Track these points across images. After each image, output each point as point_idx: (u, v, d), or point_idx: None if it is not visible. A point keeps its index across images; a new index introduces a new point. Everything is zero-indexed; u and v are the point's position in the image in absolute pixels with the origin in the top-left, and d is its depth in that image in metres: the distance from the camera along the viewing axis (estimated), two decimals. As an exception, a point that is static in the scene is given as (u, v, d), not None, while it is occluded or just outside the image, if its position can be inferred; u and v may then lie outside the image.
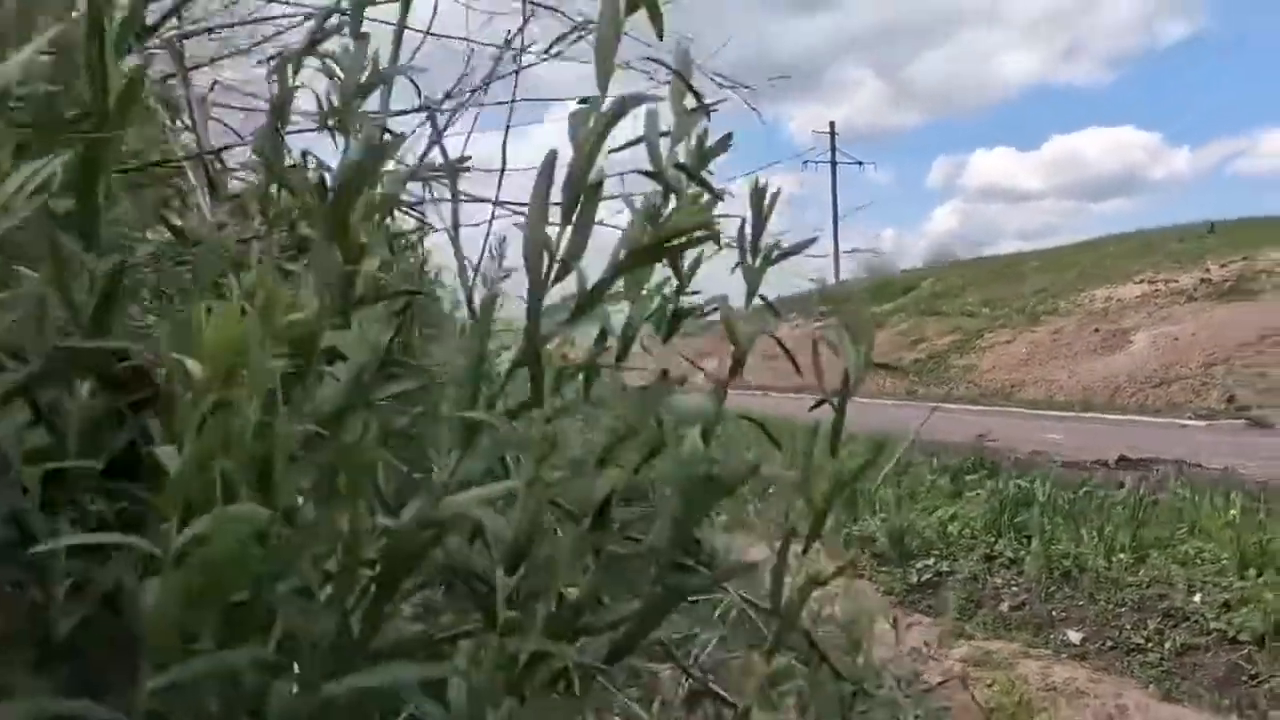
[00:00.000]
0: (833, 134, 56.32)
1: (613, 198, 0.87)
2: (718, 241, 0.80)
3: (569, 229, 0.71)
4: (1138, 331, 27.60)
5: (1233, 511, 7.52)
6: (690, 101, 0.90)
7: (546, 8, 2.37)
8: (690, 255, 0.94)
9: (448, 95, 1.97)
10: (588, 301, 0.72)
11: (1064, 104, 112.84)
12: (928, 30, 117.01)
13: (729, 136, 1.03)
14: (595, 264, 0.83)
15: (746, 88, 3.03)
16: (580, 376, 0.81)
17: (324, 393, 0.79)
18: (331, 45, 1.16)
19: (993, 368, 29.48)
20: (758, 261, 1.13)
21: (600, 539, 0.76)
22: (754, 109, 3.13)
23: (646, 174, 0.82)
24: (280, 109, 1.05)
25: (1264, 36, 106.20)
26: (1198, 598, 6.61)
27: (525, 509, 0.64)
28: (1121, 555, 7.30)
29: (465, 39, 2.29)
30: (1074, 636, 6.63)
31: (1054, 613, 6.93)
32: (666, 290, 1.02)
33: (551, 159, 0.69)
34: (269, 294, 0.71)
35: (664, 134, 0.85)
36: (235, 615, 0.75)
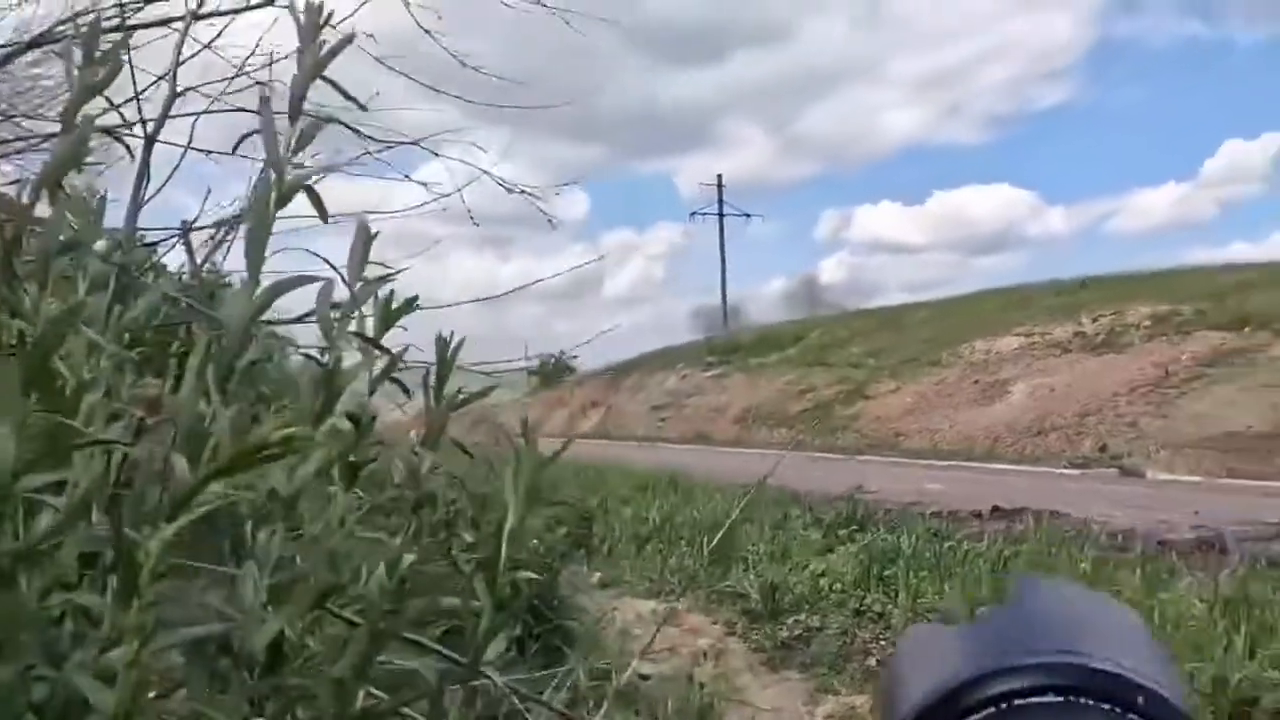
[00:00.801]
0: (720, 186, 57.52)
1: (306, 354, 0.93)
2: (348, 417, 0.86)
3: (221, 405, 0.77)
4: (1016, 382, 28.52)
5: (1083, 564, 7.83)
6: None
7: (331, 120, 2.42)
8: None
9: (191, 223, 2.01)
10: (179, 505, 0.78)
11: (945, 161, 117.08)
12: (813, 86, 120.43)
13: (414, 299, 1.12)
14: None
15: (534, 195, 3.16)
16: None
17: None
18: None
19: (878, 418, 30.10)
20: (442, 405, 1.21)
21: (272, 680, 0.81)
22: (527, 193, 3.25)
23: (311, 349, 0.88)
24: (11, 247, 1.09)
25: (1130, 106, 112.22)
26: (1051, 648, 6.85)
27: (125, 687, 0.68)
28: (984, 608, 7.52)
29: (230, 153, 2.34)
30: (936, 689, 6.79)
31: (919, 666, 7.09)
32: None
33: (206, 345, 0.76)
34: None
35: (335, 305, 0.92)
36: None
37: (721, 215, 56.63)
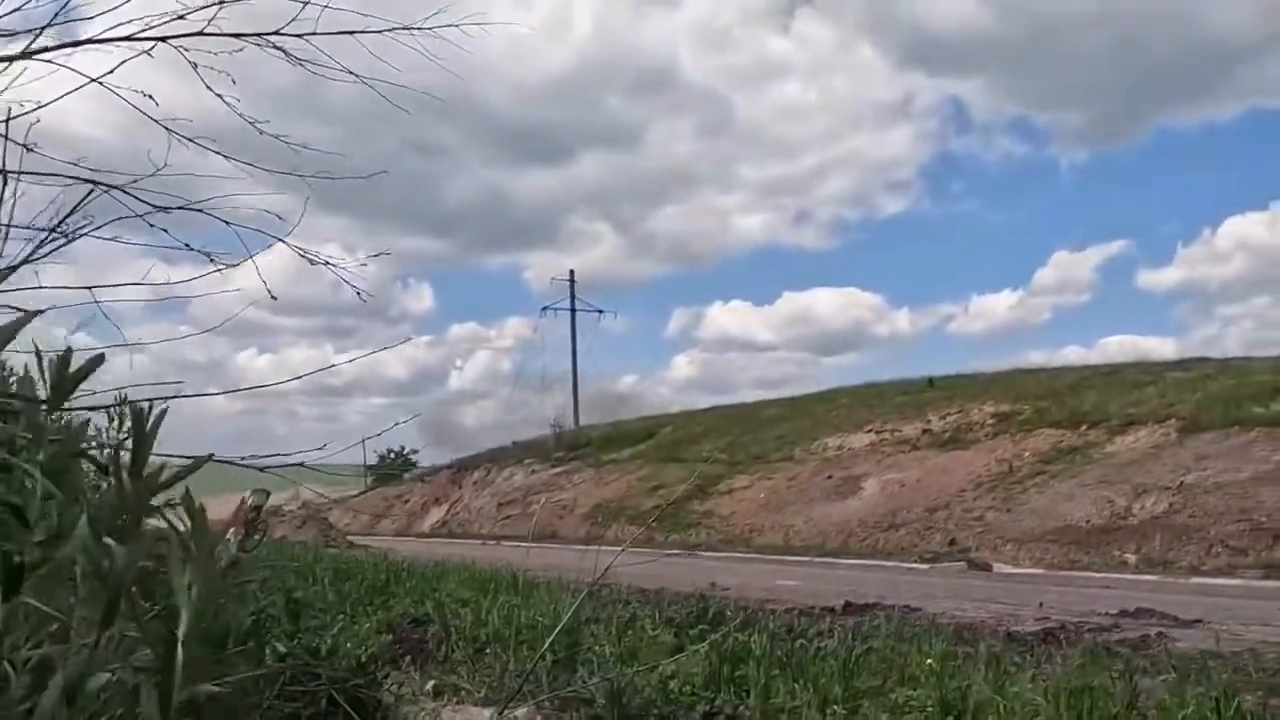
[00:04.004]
0: (572, 282, 57.79)
1: None
2: None
3: None
4: (868, 478, 29.06)
5: (929, 661, 7.72)
6: None
7: (110, 186, 2.17)
8: None
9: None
10: None
11: (795, 264, 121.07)
12: (662, 188, 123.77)
13: (101, 357, 1.05)
14: None
15: (335, 267, 2.92)
16: None
17: None
18: None
19: (731, 513, 30.15)
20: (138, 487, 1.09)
21: None
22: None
23: None
24: None
25: (966, 217, 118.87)
26: (903, 748, 6.67)
27: None
28: (836, 707, 7.30)
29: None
30: (787, 794, 6.52)
31: (769, 770, 6.80)
32: None
33: None
34: None
35: None
36: None
37: (574, 311, 56.77)
